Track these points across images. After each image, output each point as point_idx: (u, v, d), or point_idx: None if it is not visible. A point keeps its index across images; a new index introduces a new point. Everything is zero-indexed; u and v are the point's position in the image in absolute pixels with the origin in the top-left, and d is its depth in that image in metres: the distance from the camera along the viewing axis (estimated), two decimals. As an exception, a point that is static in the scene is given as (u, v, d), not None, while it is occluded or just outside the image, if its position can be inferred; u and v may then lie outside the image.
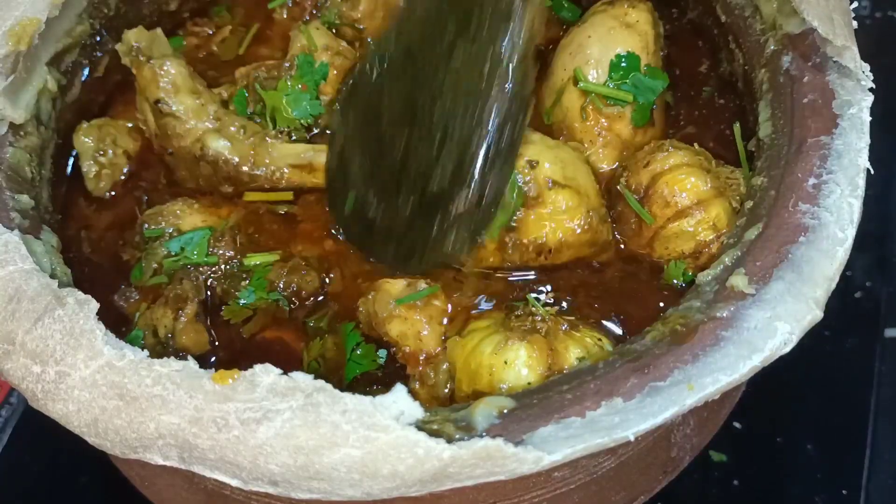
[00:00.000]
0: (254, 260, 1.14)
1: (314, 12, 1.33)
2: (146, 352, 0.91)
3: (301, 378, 0.87)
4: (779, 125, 1.06)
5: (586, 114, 1.17)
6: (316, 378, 0.87)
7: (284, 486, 0.86)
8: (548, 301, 1.09)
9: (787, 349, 0.90)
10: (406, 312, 1.06)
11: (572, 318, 1.05)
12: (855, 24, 1.08)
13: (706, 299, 0.95)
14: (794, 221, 0.97)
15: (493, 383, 0.99)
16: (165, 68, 1.19)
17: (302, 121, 1.21)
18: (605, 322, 1.08)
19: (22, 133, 1.14)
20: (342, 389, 0.86)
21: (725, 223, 1.07)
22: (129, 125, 1.27)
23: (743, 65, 1.18)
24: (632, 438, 0.85)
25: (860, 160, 0.99)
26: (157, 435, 0.87)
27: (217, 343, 1.11)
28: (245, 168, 1.18)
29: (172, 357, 0.90)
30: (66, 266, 1.06)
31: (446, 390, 1.05)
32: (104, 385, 0.89)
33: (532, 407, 0.88)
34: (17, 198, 1.08)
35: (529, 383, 0.98)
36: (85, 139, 1.23)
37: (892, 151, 1.57)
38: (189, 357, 0.90)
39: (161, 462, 0.88)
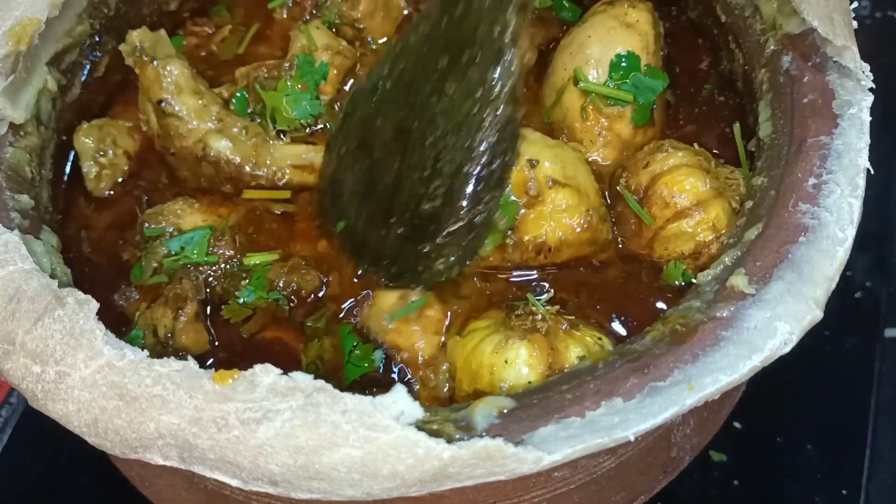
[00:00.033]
0: (253, 259, 1.13)
1: (314, 12, 1.33)
2: (146, 352, 0.91)
3: (301, 378, 0.87)
4: (779, 125, 1.06)
5: (586, 113, 1.17)
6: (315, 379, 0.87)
7: (284, 486, 0.86)
8: (548, 300, 1.09)
9: (787, 349, 0.90)
10: (400, 326, 1.07)
11: (572, 317, 1.05)
12: (855, 24, 1.08)
13: (706, 299, 0.95)
14: (794, 221, 0.97)
15: (494, 382, 0.99)
16: (169, 69, 1.19)
17: (302, 120, 1.21)
18: (605, 322, 1.08)
19: (22, 133, 1.14)
20: (342, 391, 0.86)
21: (725, 223, 1.07)
22: (130, 125, 1.27)
23: (743, 65, 1.18)
24: (632, 438, 0.85)
25: (860, 160, 0.99)
26: (157, 435, 0.87)
27: (217, 343, 1.11)
28: (247, 168, 1.19)
29: (172, 357, 0.90)
30: (66, 266, 1.06)
31: (446, 390, 1.05)
32: (104, 385, 0.89)
33: (532, 407, 0.88)
34: (17, 198, 1.08)
35: (530, 382, 0.98)
36: (85, 139, 1.23)
37: (892, 151, 1.57)
38: (189, 357, 0.90)
39: (161, 462, 0.88)
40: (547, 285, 1.11)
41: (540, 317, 1.03)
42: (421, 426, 0.85)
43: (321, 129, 1.22)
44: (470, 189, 1.03)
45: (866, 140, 1.01)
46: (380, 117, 1.08)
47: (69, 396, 0.90)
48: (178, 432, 0.87)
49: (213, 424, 0.86)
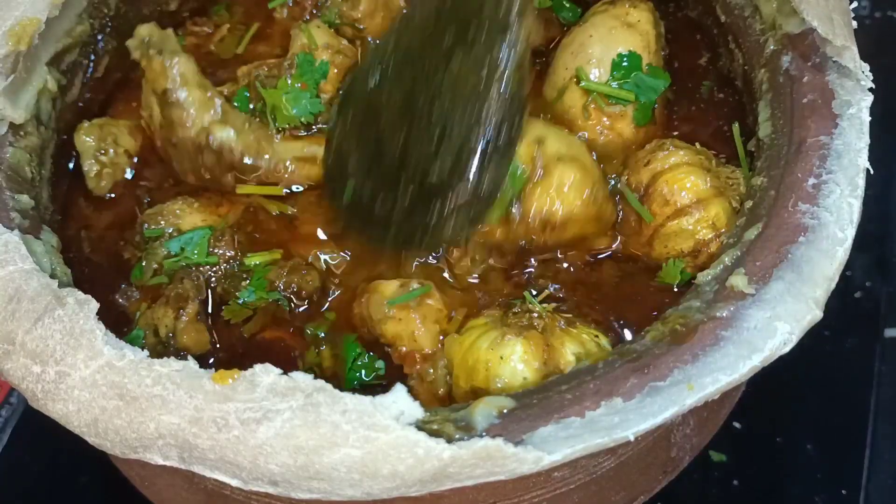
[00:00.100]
0: (254, 259, 1.14)
1: (314, 12, 1.33)
2: (146, 352, 0.91)
3: (301, 378, 0.87)
4: (778, 125, 1.06)
5: (588, 113, 1.17)
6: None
7: (284, 486, 0.86)
8: (545, 299, 1.09)
9: (787, 349, 0.90)
10: (400, 313, 1.07)
11: (570, 315, 1.05)
12: (855, 24, 1.08)
13: (706, 299, 0.95)
14: (793, 221, 0.97)
15: (490, 378, 1.00)
16: (175, 61, 1.19)
17: (302, 119, 1.21)
18: (602, 320, 1.08)
19: (22, 133, 1.14)
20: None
21: (725, 222, 1.07)
22: (130, 124, 1.27)
23: (742, 64, 1.18)
24: (632, 438, 0.85)
25: (860, 160, 0.99)
26: (157, 435, 0.87)
27: (217, 343, 1.11)
28: (248, 160, 1.19)
29: (172, 357, 0.90)
30: (66, 266, 1.06)
31: (443, 390, 1.05)
32: (104, 385, 0.89)
33: (532, 407, 0.88)
34: (17, 198, 1.08)
35: (525, 378, 0.98)
36: (86, 138, 1.23)
37: (892, 151, 1.56)
38: (189, 357, 0.90)
39: (161, 462, 0.88)
40: (545, 284, 1.11)
41: (536, 314, 1.03)
42: (421, 426, 0.85)
43: (321, 128, 1.22)
44: (476, 162, 1.03)
45: (866, 140, 1.01)
46: (385, 89, 1.08)
47: (69, 396, 0.90)
48: (178, 432, 0.87)
49: (213, 424, 0.86)
